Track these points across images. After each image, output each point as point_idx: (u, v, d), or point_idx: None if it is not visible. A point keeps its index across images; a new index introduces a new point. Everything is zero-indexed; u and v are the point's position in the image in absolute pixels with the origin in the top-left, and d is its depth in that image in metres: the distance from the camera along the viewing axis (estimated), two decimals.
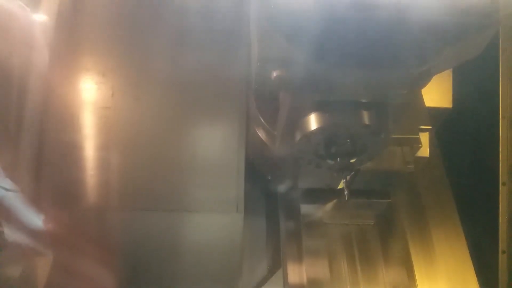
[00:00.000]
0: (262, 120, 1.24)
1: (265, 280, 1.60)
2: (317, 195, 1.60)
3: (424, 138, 1.43)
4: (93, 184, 1.42)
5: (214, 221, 1.50)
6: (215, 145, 1.46)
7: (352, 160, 1.03)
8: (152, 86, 1.46)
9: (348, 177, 1.08)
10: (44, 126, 1.38)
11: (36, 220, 1.06)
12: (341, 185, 1.45)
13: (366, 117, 0.95)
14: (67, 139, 1.40)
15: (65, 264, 1.12)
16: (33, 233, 1.00)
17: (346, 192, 1.07)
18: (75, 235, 1.25)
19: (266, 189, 1.76)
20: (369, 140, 1.00)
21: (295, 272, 1.61)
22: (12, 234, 0.90)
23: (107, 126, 1.40)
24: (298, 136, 1.02)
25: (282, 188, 1.70)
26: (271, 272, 1.62)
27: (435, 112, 1.55)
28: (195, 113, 1.44)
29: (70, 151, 1.40)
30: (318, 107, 0.96)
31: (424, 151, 1.43)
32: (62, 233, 1.19)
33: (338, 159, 1.00)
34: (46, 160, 1.38)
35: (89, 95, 1.45)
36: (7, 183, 1.00)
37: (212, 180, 1.47)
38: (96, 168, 1.41)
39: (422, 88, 1.07)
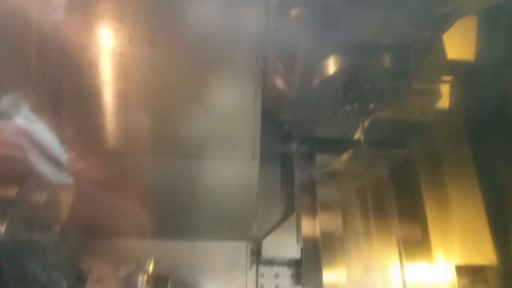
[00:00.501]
0: (281, 66, 1.23)
1: (278, 224, 1.64)
2: (332, 145, 1.60)
3: (445, 89, 1.40)
4: (111, 129, 1.44)
5: (230, 168, 1.52)
6: (232, 93, 1.46)
7: (370, 106, 1.02)
8: (169, 33, 1.45)
9: (365, 123, 1.08)
10: (63, 73, 1.39)
11: (61, 152, 1.09)
12: (357, 135, 1.45)
13: (386, 61, 0.93)
14: (86, 85, 1.41)
15: (87, 197, 1.16)
16: (57, 163, 1.04)
17: (362, 138, 1.07)
18: (96, 175, 1.29)
19: (282, 138, 1.77)
20: (389, 85, 0.99)
21: (308, 222, 1.64)
22: (37, 163, 0.93)
23: (124, 72, 1.40)
24: (316, 81, 1.01)
25: (297, 137, 1.71)
26: (285, 217, 1.66)
27: (457, 64, 1.51)
28: (212, 61, 1.43)
29: (89, 97, 1.41)
30: (337, 50, 0.94)
31: (444, 102, 1.41)
32: (84, 172, 1.23)
33: (356, 104, 0.99)
34: (66, 106, 1.40)
35: (107, 42, 1.44)
36: (31, 115, 1.03)
37: (229, 129, 1.48)
38: (114, 114, 1.43)
39: (445, 31, 1.04)
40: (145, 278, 1.18)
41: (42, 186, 0.91)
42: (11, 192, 0.84)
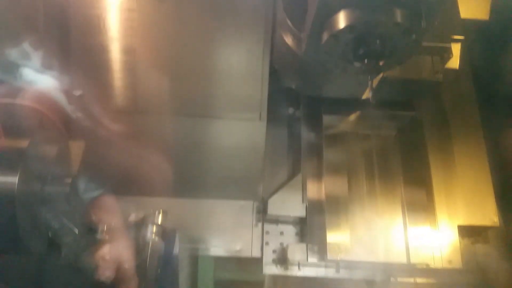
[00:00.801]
0: (289, 22, 1.21)
1: (284, 184, 1.66)
2: (340, 106, 1.60)
3: (456, 48, 1.38)
4: (119, 87, 1.45)
5: (237, 128, 1.53)
6: (239, 51, 1.45)
7: (380, 63, 1.00)
8: None
9: (374, 82, 1.07)
10: (70, 28, 1.38)
11: (69, 107, 1.10)
12: (365, 95, 1.44)
13: (398, 15, 0.91)
14: (93, 41, 1.40)
15: (95, 153, 1.17)
16: (67, 117, 1.05)
17: (371, 95, 1.06)
18: (104, 132, 1.30)
19: (290, 98, 1.76)
20: (400, 41, 0.97)
21: (314, 183, 1.66)
22: (47, 115, 0.95)
23: (132, 28, 1.39)
24: (325, 36, 0.99)
25: (305, 97, 1.71)
26: (290, 177, 1.68)
27: (470, 23, 1.47)
28: (220, 17, 1.41)
29: (96, 53, 1.40)
30: (348, 4, 0.92)
31: (454, 62, 1.39)
32: (92, 129, 1.24)
33: (366, 60, 0.98)
34: (73, 62, 1.40)
35: None
36: (40, 68, 1.03)
37: (236, 88, 1.48)
38: (121, 71, 1.43)
39: None
40: (154, 228, 1.21)
41: (52, 138, 0.92)
42: (22, 143, 0.85)
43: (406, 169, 1.66)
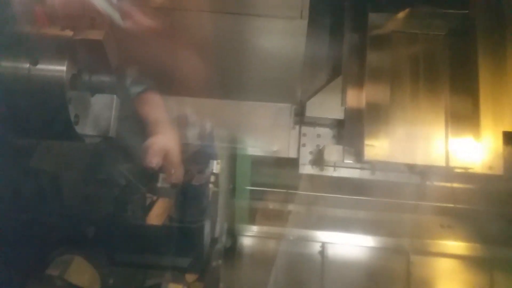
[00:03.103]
0: None
1: (323, 86, 1.64)
2: (388, 2, 1.50)
3: None
4: None
5: (278, 27, 1.47)
6: None
7: None
8: None
9: None
10: None
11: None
12: None
13: None
14: None
15: (138, 49, 1.17)
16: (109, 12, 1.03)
17: None
18: (145, 30, 1.28)
19: None
20: None
21: (354, 85, 1.62)
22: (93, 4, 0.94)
23: None
24: None
25: None
26: (330, 79, 1.65)
27: None
28: None
29: None
30: None
31: None
32: (134, 27, 1.22)
33: None
34: None
35: None
36: None
37: None
38: None
39: None
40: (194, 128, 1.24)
41: (98, 27, 0.92)
42: (68, 32, 0.85)
43: (453, 75, 1.58)
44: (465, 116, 1.54)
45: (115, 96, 0.97)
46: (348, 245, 1.60)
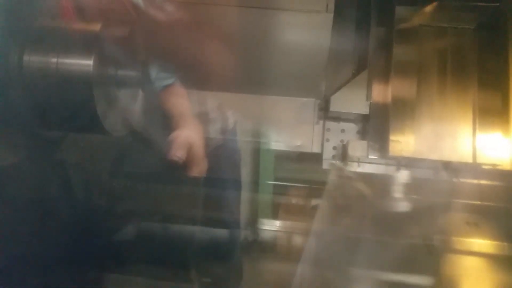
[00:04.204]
0: None
1: (348, 80, 1.62)
2: None
3: None
4: None
5: (303, 20, 1.47)
6: None
7: None
8: None
9: None
10: None
11: None
12: None
13: None
14: None
15: (162, 42, 1.18)
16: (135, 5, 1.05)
17: None
18: (169, 22, 1.30)
19: None
20: None
21: (380, 80, 1.60)
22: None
23: None
24: None
25: None
26: (355, 74, 1.63)
27: None
28: None
29: None
30: None
31: None
32: (158, 18, 1.24)
33: None
34: None
35: None
36: None
37: None
38: None
39: None
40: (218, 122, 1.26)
41: (124, 23, 0.94)
42: (95, 26, 0.87)
43: (482, 69, 1.54)
44: (494, 112, 1.50)
45: (140, 89, 0.99)
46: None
